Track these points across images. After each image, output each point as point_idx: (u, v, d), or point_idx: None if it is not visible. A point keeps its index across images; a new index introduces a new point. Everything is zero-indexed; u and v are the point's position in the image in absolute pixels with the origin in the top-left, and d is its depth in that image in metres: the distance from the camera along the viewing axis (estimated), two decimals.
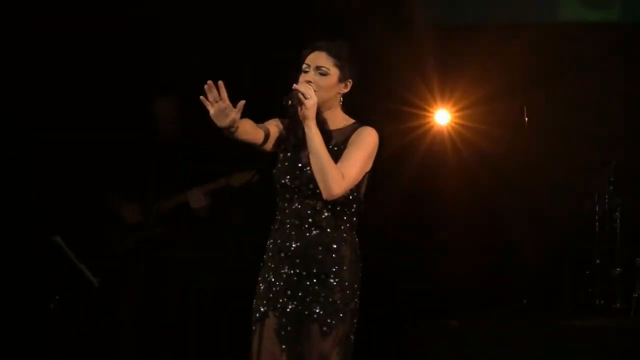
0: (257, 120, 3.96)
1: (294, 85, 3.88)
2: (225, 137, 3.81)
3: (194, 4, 6.71)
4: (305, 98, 3.83)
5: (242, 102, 3.74)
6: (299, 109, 3.84)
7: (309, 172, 3.92)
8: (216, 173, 6.10)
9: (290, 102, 3.82)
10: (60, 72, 6.57)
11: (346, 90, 4.01)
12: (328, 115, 4.01)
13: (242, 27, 6.73)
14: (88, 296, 5.69)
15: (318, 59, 3.95)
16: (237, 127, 3.77)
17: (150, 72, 6.63)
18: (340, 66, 3.96)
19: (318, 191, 3.89)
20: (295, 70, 3.98)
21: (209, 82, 3.71)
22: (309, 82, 3.91)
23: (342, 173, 3.86)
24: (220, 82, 3.71)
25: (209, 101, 3.71)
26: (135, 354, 6.20)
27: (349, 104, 4.04)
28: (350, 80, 4.00)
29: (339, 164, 3.89)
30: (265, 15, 6.73)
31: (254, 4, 6.73)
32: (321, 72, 3.95)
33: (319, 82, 3.93)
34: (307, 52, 3.98)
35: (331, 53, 3.96)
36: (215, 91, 3.71)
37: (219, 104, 3.71)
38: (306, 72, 3.95)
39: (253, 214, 6.50)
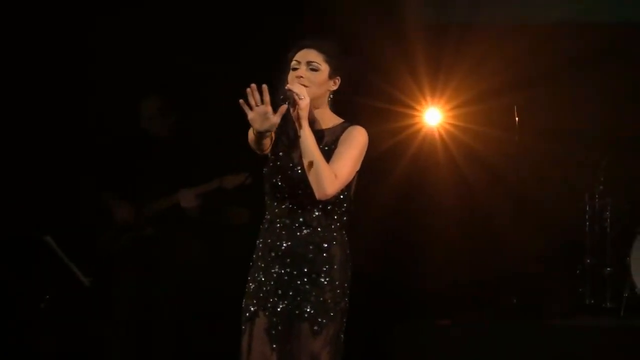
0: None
1: (288, 85, 3.86)
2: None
3: (185, 4, 6.71)
4: (300, 98, 3.83)
5: (284, 107, 3.74)
6: (291, 109, 3.83)
7: (300, 172, 3.91)
8: (208, 173, 6.10)
9: (287, 102, 3.81)
10: (53, 71, 6.56)
11: (335, 88, 3.99)
12: (317, 114, 3.99)
13: (233, 27, 6.73)
14: (79, 296, 5.68)
15: (308, 55, 3.94)
16: (273, 132, 3.77)
17: (146, 72, 6.62)
18: (330, 62, 3.95)
19: (309, 191, 3.87)
20: (285, 71, 3.97)
21: (252, 85, 3.70)
22: (299, 77, 3.90)
23: (334, 172, 3.86)
24: (264, 86, 3.70)
25: (249, 105, 3.70)
26: (126, 353, 6.19)
27: (338, 103, 4.03)
28: (338, 77, 3.99)
29: (330, 163, 3.88)
30: (257, 14, 6.73)
31: (245, 3, 6.72)
32: (312, 67, 3.94)
33: (311, 78, 3.92)
34: (295, 49, 3.97)
35: (321, 50, 3.95)
36: (257, 95, 3.70)
37: (259, 108, 3.71)
38: (296, 69, 3.94)
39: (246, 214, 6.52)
